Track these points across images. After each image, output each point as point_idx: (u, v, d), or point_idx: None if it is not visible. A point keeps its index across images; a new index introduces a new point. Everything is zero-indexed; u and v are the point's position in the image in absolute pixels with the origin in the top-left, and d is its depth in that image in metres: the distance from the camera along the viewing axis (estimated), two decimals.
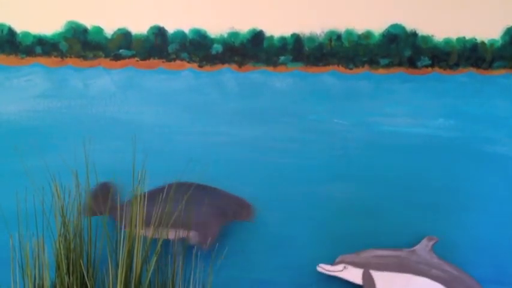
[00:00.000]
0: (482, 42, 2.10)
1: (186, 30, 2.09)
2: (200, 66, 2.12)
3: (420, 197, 2.06)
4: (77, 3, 2.07)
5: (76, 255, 1.78)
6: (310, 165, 2.08)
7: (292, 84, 2.12)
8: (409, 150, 2.09)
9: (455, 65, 2.12)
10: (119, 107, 2.10)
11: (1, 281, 1.84)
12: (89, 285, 1.75)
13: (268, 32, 2.09)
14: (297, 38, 2.10)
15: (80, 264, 1.76)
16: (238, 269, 2.03)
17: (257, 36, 2.10)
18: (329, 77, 2.12)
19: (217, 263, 1.95)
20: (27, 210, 1.85)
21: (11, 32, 2.07)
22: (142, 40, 2.10)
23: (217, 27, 2.08)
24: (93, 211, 1.89)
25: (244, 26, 2.08)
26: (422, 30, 2.09)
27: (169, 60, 2.11)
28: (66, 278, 1.73)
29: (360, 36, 2.10)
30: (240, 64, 2.12)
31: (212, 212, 1.96)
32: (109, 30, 2.09)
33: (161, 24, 2.08)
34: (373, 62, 2.12)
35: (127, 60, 2.11)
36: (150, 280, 1.79)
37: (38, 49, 2.08)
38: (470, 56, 2.11)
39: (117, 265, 1.76)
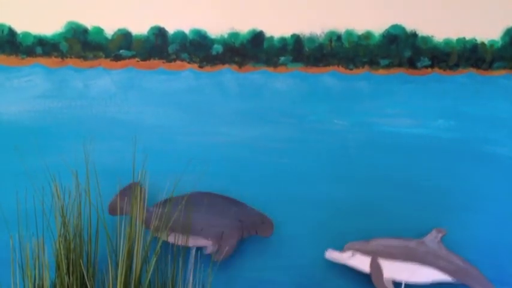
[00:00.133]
0: (482, 43, 2.10)
1: (186, 30, 2.09)
2: (200, 67, 2.12)
3: (420, 197, 2.06)
4: (77, 3, 2.07)
5: (76, 256, 1.77)
6: (310, 165, 2.08)
7: (292, 84, 2.12)
8: (409, 151, 2.09)
9: (455, 66, 2.11)
10: (119, 108, 2.10)
11: (1, 282, 1.84)
12: (88, 286, 1.74)
13: (268, 33, 2.09)
14: (297, 39, 2.10)
15: (80, 264, 1.76)
16: (238, 269, 2.03)
17: (257, 37, 2.10)
18: (329, 77, 2.12)
19: (217, 263, 1.95)
20: (27, 211, 1.85)
21: (12, 32, 2.07)
22: (143, 40, 2.10)
23: (217, 27, 2.09)
24: (119, 210, 1.89)
25: (244, 27, 2.09)
26: (422, 30, 2.09)
27: (170, 61, 2.12)
28: (66, 278, 1.73)
29: (360, 37, 2.10)
30: (240, 64, 2.12)
31: (233, 224, 1.96)
32: (109, 30, 2.09)
33: (161, 25, 2.09)
34: (373, 63, 2.12)
35: (127, 61, 2.11)
36: (150, 280, 1.79)
37: (39, 49, 2.08)
38: (470, 56, 2.11)
39: (117, 265, 1.76)
